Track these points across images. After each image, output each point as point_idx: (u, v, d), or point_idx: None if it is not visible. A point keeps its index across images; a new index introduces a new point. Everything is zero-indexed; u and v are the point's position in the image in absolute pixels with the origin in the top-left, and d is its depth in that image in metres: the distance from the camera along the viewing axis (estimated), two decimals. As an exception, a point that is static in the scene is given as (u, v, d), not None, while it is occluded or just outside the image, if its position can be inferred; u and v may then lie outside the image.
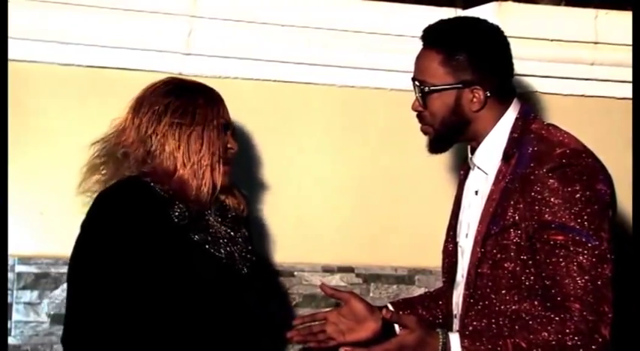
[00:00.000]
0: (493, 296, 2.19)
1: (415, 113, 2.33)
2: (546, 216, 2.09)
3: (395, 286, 3.04)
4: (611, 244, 2.09)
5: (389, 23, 3.03)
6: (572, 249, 2.06)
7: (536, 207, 2.11)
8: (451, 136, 2.29)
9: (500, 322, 2.17)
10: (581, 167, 2.12)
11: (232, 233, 2.35)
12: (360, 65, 3.03)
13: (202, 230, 2.28)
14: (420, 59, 2.29)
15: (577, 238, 2.07)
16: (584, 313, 2.03)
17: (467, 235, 2.30)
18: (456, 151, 2.71)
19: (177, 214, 2.23)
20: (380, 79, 3.05)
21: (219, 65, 2.95)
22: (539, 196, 2.11)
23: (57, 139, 2.84)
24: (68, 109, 2.86)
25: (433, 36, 2.27)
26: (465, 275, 2.27)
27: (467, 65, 2.21)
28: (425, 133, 2.32)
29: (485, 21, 2.33)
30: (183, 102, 2.29)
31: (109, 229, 2.17)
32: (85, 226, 2.23)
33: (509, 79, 2.30)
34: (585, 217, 2.07)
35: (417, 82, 2.27)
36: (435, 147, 2.33)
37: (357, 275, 3.02)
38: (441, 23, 2.31)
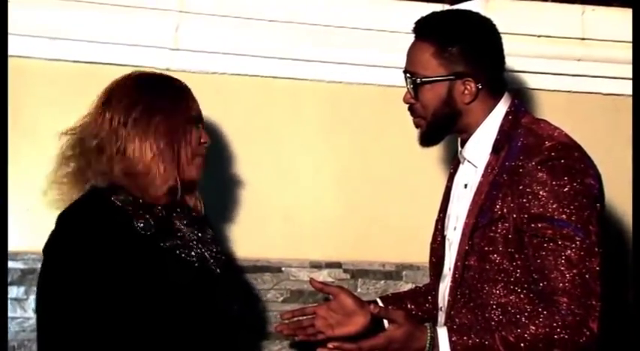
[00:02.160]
0: (480, 288, 2.20)
1: (405, 108, 2.34)
2: (535, 209, 2.10)
3: (382, 282, 3.04)
4: (599, 238, 2.10)
5: (377, 19, 3.03)
6: (560, 243, 2.07)
7: (525, 200, 2.12)
8: (442, 128, 2.30)
9: (487, 315, 2.18)
10: (571, 161, 2.13)
11: (200, 234, 2.33)
12: (348, 61, 3.03)
13: (171, 235, 2.24)
14: (411, 51, 2.30)
15: (565, 231, 2.08)
16: (572, 307, 2.04)
17: (455, 228, 2.31)
18: (444, 146, 2.73)
19: (142, 225, 2.19)
20: (368, 75, 3.05)
21: (207, 61, 2.95)
22: (528, 189, 2.12)
23: (44, 135, 2.82)
24: (55, 105, 2.84)
25: (425, 28, 2.28)
26: (452, 268, 2.28)
27: (459, 57, 2.23)
28: (417, 125, 2.33)
29: (477, 14, 2.35)
30: (151, 97, 2.25)
31: (73, 253, 2.12)
32: (48, 250, 2.19)
33: (501, 73, 2.31)
34: (574, 211, 2.09)
35: (408, 74, 2.28)
36: (426, 140, 2.33)
37: (345, 271, 3.02)
38: (434, 15, 2.33)
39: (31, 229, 2.79)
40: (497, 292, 2.18)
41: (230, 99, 2.95)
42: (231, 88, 2.95)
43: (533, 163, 2.12)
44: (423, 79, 2.25)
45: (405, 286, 3.02)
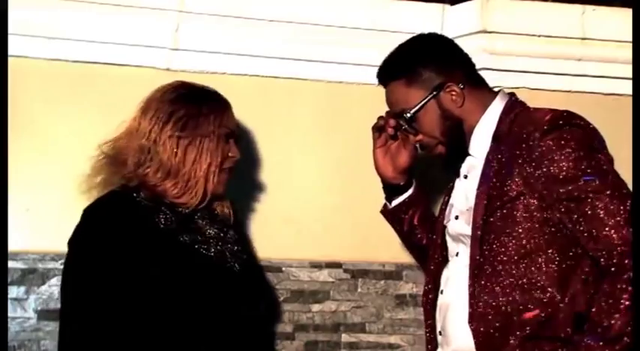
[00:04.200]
0: (501, 268, 2.20)
1: None
2: (556, 175, 2.14)
3: (383, 282, 3.04)
4: (619, 177, 2.17)
5: (377, 19, 3.03)
6: (594, 197, 2.11)
7: (544, 170, 2.16)
8: (459, 142, 2.33)
9: (510, 298, 2.19)
10: (573, 123, 2.19)
11: (221, 234, 2.38)
12: (347, 61, 3.03)
13: (191, 232, 2.30)
14: (388, 98, 2.39)
15: (596, 185, 2.12)
16: (628, 262, 2.07)
17: (457, 217, 2.35)
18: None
19: (162, 220, 2.27)
20: (368, 75, 3.03)
21: (207, 60, 2.95)
22: (541, 160, 2.16)
23: (43, 135, 2.83)
24: (55, 104, 2.85)
25: (386, 72, 2.37)
26: (460, 253, 2.32)
27: (429, 74, 2.30)
28: (437, 156, 2.37)
29: (419, 35, 2.42)
30: (186, 111, 2.32)
31: (96, 244, 2.20)
32: (72, 242, 2.25)
33: (471, 65, 2.38)
34: (593, 164, 2.14)
35: (398, 118, 2.36)
36: (451, 162, 2.38)
37: (345, 271, 3.02)
38: (386, 60, 2.39)
39: (31, 229, 2.80)
40: (521, 268, 2.19)
41: (229, 99, 2.92)
42: (230, 88, 2.92)
43: (539, 135, 2.17)
44: (413, 110, 2.31)
45: (406, 286, 3.02)
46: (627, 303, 2.05)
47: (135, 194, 2.29)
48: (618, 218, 2.09)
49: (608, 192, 2.11)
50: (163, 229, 2.25)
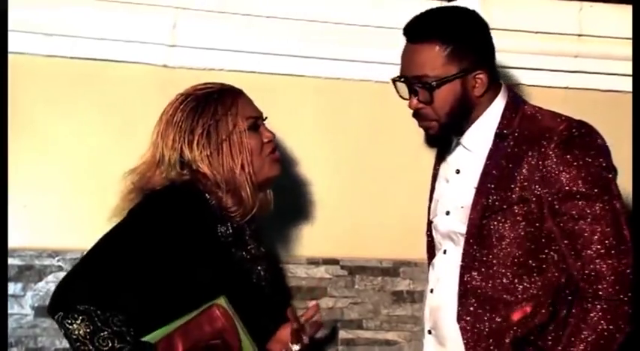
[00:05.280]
0: (494, 270, 2.20)
1: (403, 104, 2.31)
2: (562, 188, 2.13)
3: (380, 278, 3.04)
4: (623, 203, 2.16)
5: (375, 15, 3.03)
6: (591, 218, 2.11)
7: (551, 181, 2.14)
8: (456, 126, 2.28)
9: (495, 303, 2.20)
10: (586, 137, 2.18)
11: (258, 253, 2.38)
12: (346, 57, 3.03)
13: (241, 246, 2.31)
14: (413, 55, 2.24)
15: (595, 203, 2.11)
16: (612, 290, 2.08)
17: (448, 212, 2.32)
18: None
19: (223, 230, 2.26)
20: (366, 72, 3.05)
21: (204, 57, 2.94)
22: (551, 170, 2.14)
23: (41, 131, 2.83)
24: (52, 101, 2.85)
25: (421, 29, 2.24)
26: (448, 250, 2.31)
27: (464, 52, 2.21)
28: (427, 129, 2.30)
29: (462, 8, 2.33)
30: (204, 121, 2.29)
31: (152, 226, 2.19)
32: (136, 214, 2.23)
33: (495, 62, 2.32)
34: (601, 184, 2.13)
35: (415, 80, 2.23)
36: (438, 140, 2.36)
37: (342, 267, 3.02)
38: (424, 16, 2.28)
39: (29, 226, 2.80)
40: (512, 275, 2.19)
41: (227, 95, 2.94)
42: (228, 85, 2.95)
43: (553, 145, 2.15)
44: (440, 80, 2.20)
45: (403, 283, 3.02)
46: (589, 338, 2.07)
47: (205, 193, 2.27)
48: (609, 246, 2.09)
49: (607, 218, 2.11)
50: (222, 241, 2.25)
